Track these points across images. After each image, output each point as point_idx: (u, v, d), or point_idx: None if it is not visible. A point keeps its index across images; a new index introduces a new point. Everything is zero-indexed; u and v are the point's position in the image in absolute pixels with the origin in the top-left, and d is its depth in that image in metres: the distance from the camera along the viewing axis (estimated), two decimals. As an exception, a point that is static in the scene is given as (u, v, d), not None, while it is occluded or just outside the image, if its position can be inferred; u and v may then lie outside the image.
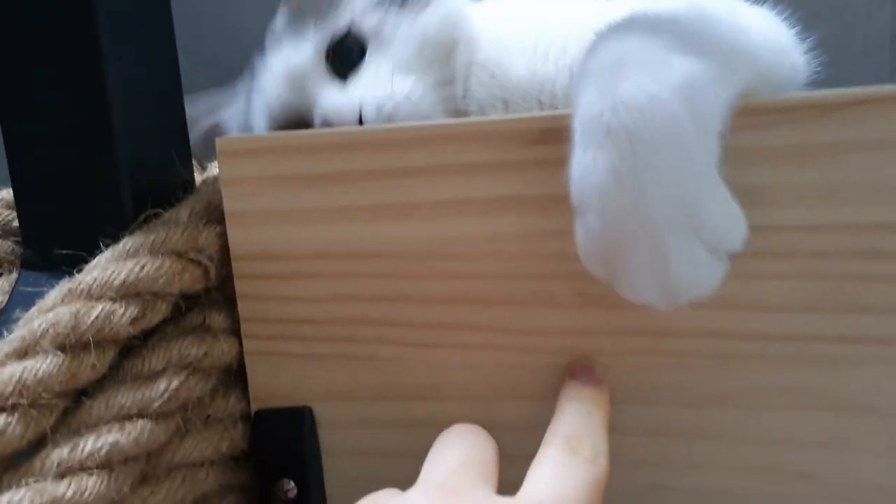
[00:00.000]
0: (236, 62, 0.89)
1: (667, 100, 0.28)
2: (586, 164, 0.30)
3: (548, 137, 0.36)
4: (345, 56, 0.49)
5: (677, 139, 0.29)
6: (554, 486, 0.29)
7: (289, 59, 0.50)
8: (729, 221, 0.31)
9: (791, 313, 0.35)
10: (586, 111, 0.30)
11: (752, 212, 0.34)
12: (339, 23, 0.49)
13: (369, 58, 0.49)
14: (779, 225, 0.34)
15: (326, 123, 0.46)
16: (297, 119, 0.50)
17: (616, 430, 0.35)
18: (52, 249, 0.41)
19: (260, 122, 0.52)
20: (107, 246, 0.39)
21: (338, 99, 0.47)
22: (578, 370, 0.37)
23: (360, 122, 0.45)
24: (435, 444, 0.32)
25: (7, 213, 0.46)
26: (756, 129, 0.34)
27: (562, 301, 0.37)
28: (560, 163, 0.34)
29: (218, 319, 0.41)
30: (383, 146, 0.38)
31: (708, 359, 0.36)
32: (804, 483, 0.36)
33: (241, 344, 0.42)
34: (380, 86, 0.46)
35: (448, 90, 0.48)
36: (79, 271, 0.38)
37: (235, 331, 0.42)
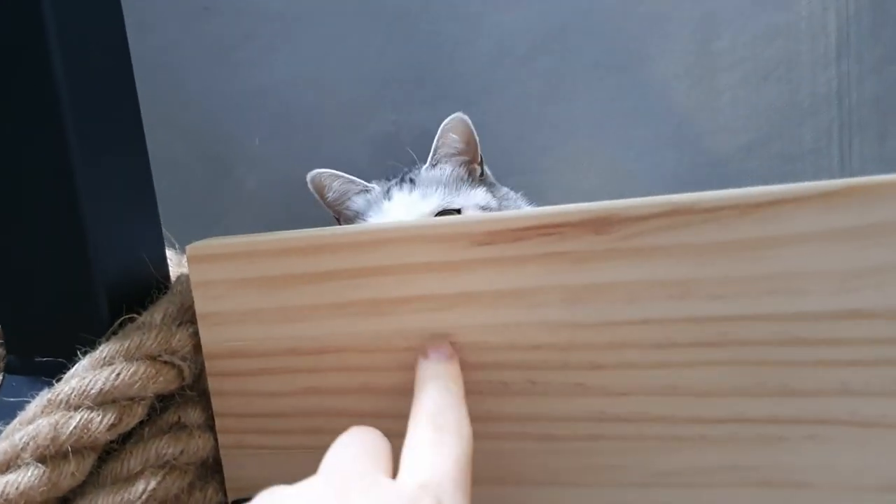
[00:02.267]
0: (218, 134, 0.92)
1: None
2: None
3: (494, 238, 0.38)
4: None
5: None
6: (432, 465, 0.31)
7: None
8: None
9: (726, 397, 0.37)
10: None
11: (686, 304, 0.37)
12: None
13: None
14: (710, 316, 0.37)
15: None
16: None
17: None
18: (34, 356, 0.43)
19: None
20: (84, 353, 0.41)
21: None
22: (431, 350, 0.39)
23: None
24: (332, 446, 0.34)
25: (-9, 315, 0.48)
26: (682, 228, 0.36)
27: (514, 389, 0.40)
28: (505, 261, 0.37)
29: (193, 416, 0.43)
30: (345, 247, 0.41)
31: (652, 441, 0.38)
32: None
33: (216, 438, 0.44)
34: None
35: None
36: (58, 378, 0.41)
37: (211, 425, 0.44)
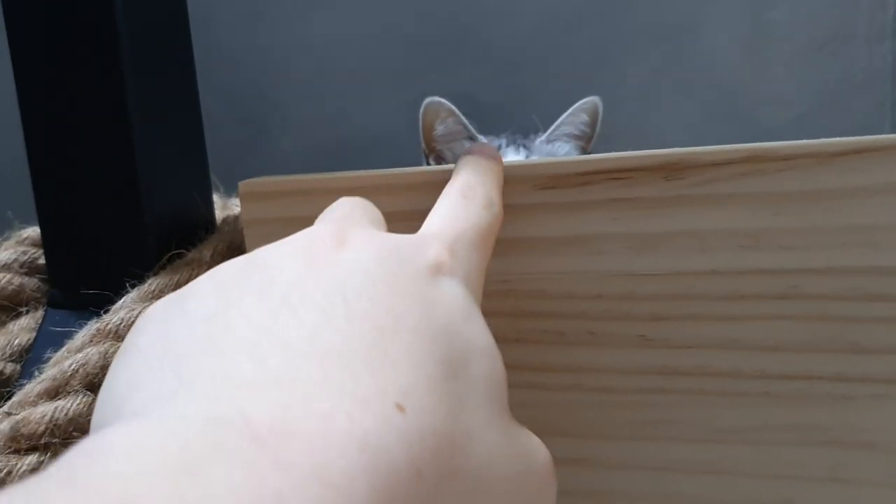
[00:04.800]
0: (249, 92, 0.91)
1: None
2: None
3: (558, 182, 0.37)
4: None
5: None
6: (448, 220, 0.29)
7: None
8: None
9: (793, 353, 0.36)
10: None
11: (754, 255, 0.36)
12: None
13: None
14: (780, 268, 0.36)
15: None
16: None
17: (620, 467, 0.36)
18: (79, 289, 0.43)
19: None
20: (132, 286, 0.41)
21: None
22: (475, 149, 0.37)
23: None
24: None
25: (34, 251, 0.48)
26: (758, 175, 0.35)
27: (571, 339, 0.39)
28: (569, 206, 0.36)
29: (239, 356, 0.43)
30: (406, 189, 0.40)
31: (715, 396, 0.37)
32: (808, 517, 0.38)
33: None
34: None
35: None
36: (105, 311, 0.40)
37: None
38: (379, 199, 0.40)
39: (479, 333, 0.24)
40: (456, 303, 0.24)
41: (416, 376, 0.20)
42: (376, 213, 0.32)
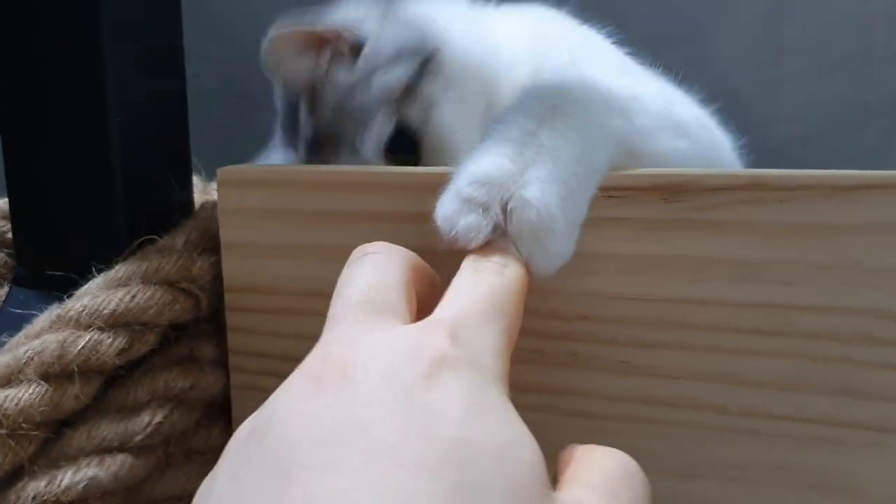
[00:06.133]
0: (242, 63, 0.89)
1: None
2: None
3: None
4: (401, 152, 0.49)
5: None
6: (455, 300, 0.28)
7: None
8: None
9: (783, 392, 0.34)
10: None
11: (750, 286, 0.34)
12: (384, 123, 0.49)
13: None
14: (777, 303, 0.34)
15: None
16: None
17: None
18: (44, 270, 0.41)
19: None
20: (99, 271, 0.39)
21: None
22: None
23: None
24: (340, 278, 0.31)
25: (2, 223, 0.46)
26: (759, 204, 0.33)
27: (552, 359, 0.37)
28: None
29: (206, 350, 0.41)
30: (390, 189, 0.38)
31: (699, 429, 0.36)
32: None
33: (228, 376, 0.41)
34: None
35: None
36: (69, 294, 0.38)
37: (223, 362, 0.41)
38: (361, 198, 0.38)
39: (492, 431, 0.23)
40: (460, 402, 0.23)
41: None
42: (393, 279, 0.30)
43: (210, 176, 0.51)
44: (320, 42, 0.47)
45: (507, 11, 0.54)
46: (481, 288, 0.29)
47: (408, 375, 0.24)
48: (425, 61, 0.45)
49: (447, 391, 0.23)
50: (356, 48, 0.47)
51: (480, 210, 0.31)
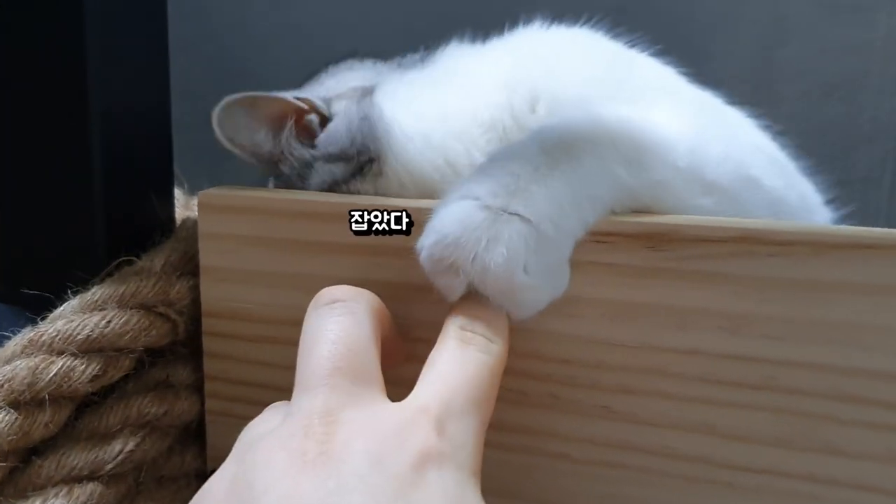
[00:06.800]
0: (236, 60, 0.88)
1: None
2: None
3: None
4: None
5: None
6: (440, 382, 0.28)
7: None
8: None
9: (763, 446, 0.34)
10: None
11: (734, 340, 0.34)
12: None
13: None
14: (762, 357, 0.34)
15: None
16: None
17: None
18: (20, 287, 0.40)
19: None
20: (75, 293, 0.38)
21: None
22: None
23: None
24: (302, 339, 0.31)
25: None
26: (748, 258, 0.33)
27: (533, 401, 0.37)
28: None
29: (182, 375, 0.40)
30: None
31: (676, 479, 0.35)
32: None
33: (202, 401, 0.41)
34: None
35: None
36: (43, 316, 0.37)
37: (199, 387, 0.41)
38: (342, 229, 0.37)
39: None
40: (443, 502, 0.24)
41: None
42: (362, 342, 0.29)
43: (193, 188, 0.50)
44: (283, 114, 0.46)
45: (492, 54, 0.49)
46: (467, 370, 0.29)
47: (395, 466, 0.24)
48: (362, 166, 0.44)
49: (430, 492, 0.24)
50: (325, 121, 0.46)
51: (451, 272, 0.31)
